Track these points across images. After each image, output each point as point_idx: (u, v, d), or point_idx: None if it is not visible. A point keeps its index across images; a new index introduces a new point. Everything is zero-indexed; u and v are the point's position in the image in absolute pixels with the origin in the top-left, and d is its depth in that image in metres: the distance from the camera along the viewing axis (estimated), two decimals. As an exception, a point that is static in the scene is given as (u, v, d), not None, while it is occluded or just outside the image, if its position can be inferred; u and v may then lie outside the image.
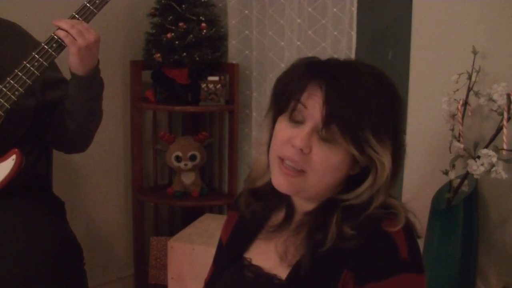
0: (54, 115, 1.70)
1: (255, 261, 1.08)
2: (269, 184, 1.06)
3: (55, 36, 1.55)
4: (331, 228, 0.97)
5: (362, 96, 0.94)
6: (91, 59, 1.57)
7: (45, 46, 1.54)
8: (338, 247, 0.95)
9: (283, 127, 0.99)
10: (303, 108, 0.96)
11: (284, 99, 0.99)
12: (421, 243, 1.89)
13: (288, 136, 0.97)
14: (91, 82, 1.62)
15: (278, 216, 1.10)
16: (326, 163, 0.96)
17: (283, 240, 1.04)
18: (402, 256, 0.94)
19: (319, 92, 0.95)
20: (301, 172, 0.97)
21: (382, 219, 0.97)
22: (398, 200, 1.02)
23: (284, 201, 1.09)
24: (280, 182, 0.99)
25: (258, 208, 1.10)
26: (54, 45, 1.55)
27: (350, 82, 0.95)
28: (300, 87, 0.97)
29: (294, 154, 0.96)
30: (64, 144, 1.78)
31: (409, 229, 0.98)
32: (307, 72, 0.98)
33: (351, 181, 1.00)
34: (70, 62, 1.57)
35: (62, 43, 1.54)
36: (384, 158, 0.95)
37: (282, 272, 1.02)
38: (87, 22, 1.59)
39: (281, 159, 0.98)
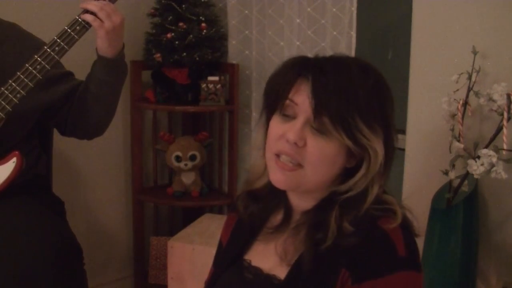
0: (72, 104, 1.70)
1: (255, 263, 1.08)
2: (267, 186, 1.07)
3: (79, 19, 1.54)
4: (331, 225, 0.97)
5: (349, 85, 0.96)
6: (118, 41, 1.59)
7: (68, 30, 1.54)
8: (336, 246, 0.95)
9: (276, 124, 1.00)
10: (294, 104, 0.98)
11: (274, 98, 1.01)
12: (421, 243, 1.89)
13: (282, 132, 0.98)
14: (119, 64, 1.63)
15: (277, 218, 1.10)
16: (321, 155, 0.97)
17: (283, 241, 1.05)
18: (400, 254, 0.94)
19: (307, 86, 0.97)
20: (298, 166, 0.98)
21: (379, 217, 0.97)
22: (395, 197, 1.03)
23: (282, 202, 1.09)
24: (278, 177, 1.00)
25: (256, 210, 1.11)
26: (78, 27, 1.54)
27: (336, 73, 0.97)
28: (288, 84, 0.99)
29: (289, 148, 0.97)
30: (87, 129, 1.78)
31: (406, 227, 0.98)
32: (294, 69, 1.00)
33: (348, 175, 1.01)
34: (98, 45, 1.58)
35: (86, 25, 1.54)
36: (376, 145, 0.97)
37: (281, 272, 1.02)
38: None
39: (277, 156, 0.99)
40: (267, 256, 1.07)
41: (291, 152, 0.97)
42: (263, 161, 1.06)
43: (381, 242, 0.94)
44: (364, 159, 0.98)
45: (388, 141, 1.00)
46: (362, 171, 0.98)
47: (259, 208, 1.11)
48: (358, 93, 0.96)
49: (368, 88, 0.97)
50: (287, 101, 0.98)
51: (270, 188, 1.07)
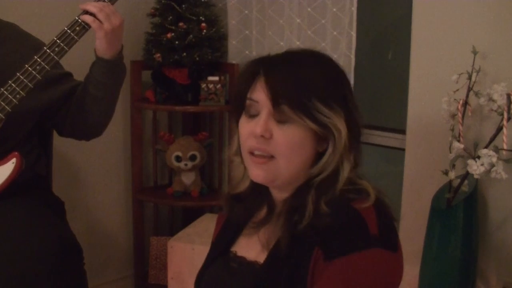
0: (71, 104, 1.70)
1: (240, 253, 1.13)
2: (249, 188, 1.13)
3: (79, 20, 1.55)
4: (307, 207, 1.00)
5: (300, 70, 1.01)
6: (117, 42, 1.59)
7: (68, 30, 1.54)
8: (311, 227, 0.98)
9: (243, 124, 1.06)
10: (254, 103, 1.03)
11: (237, 101, 1.07)
12: (421, 243, 1.89)
13: (249, 129, 1.03)
14: (117, 66, 1.63)
15: (261, 213, 1.14)
16: (289, 143, 1.01)
17: (266, 230, 1.09)
18: (372, 232, 0.96)
19: (262, 83, 1.02)
20: (271, 157, 1.02)
21: (353, 199, 1.00)
22: (369, 182, 1.05)
23: (265, 198, 1.13)
24: (256, 172, 1.05)
25: (241, 209, 1.15)
26: (77, 28, 1.54)
27: (286, 63, 1.03)
28: (245, 85, 1.05)
29: (259, 143, 1.02)
30: (85, 130, 1.78)
31: (381, 207, 1.00)
32: (248, 70, 1.06)
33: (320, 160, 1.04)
34: (97, 47, 1.58)
35: (86, 26, 1.54)
36: (338, 122, 1.00)
37: (263, 258, 1.06)
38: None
39: (251, 153, 1.04)
40: (252, 247, 1.11)
41: (262, 146, 1.02)
42: (242, 166, 1.11)
43: (353, 221, 0.97)
44: (330, 139, 1.02)
45: (350, 119, 1.02)
46: (329, 150, 1.02)
47: (244, 207, 1.15)
48: (311, 76, 1.01)
49: (320, 70, 1.03)
50: (248, 101, 1.04)
51: (252, 189, 1.12)
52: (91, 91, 1.65)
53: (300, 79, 1.00)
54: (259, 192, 1.12)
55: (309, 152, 1.03)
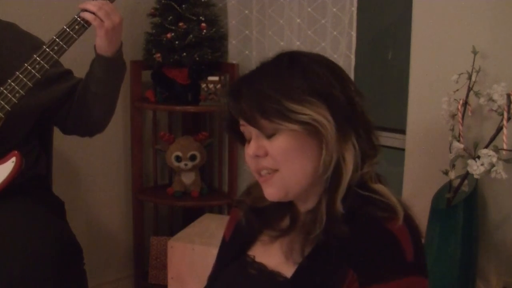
0: (73, 102, 1.71)
1: (259, 259, 1.09)
2: (274, 202, 1.08)
3: (78, 18, 1.55)
4: (320, 209, 0.98)
5: (260, 77, 1.00)
6: (117, 39, 1.59)
7: (67, 29, 1.54)
8: (343, 247, 0.95)
9: (245, 149, 1.05)
10: (244, 128, 1.03)
11: (231, 128, 1.07)
12: (421, 243, 1.88)
13: (248, 152, 1.03)
14: (118, 63, 1.64)
15: (282, 223, 1.10)
16: (283, 152, 0.99)
17: (289, 239, 1.05)
18: (408, 258, 0.94)
19: (233, 110, 1.02)
20: (275, 171, 1.01)
21: (384, 217, 0.96)
22: (388, 188, 1.02)
23: (287, 212, 1.10)
24: (268, 191, 1.03)
25: (259, 218, 1.12)
26: (76, 27, 1.55)
27: (247, 76, 1.03)
28: (231, 115, 1.04)
29: (258, 163, 1.02)
30: (88, 127, 1.79)
31: (412, 226, 0.98)
32: (226, 105, 1.04)
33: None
34: (98, 45, 1.59)
35: (85, 25, 1.55)
36: (316, 115, 0.95)
37: (287, 270, 1.02)
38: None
39: (259, 174, 1.03)
40: (272, 253, 1.07)
41: (262, 164, 1.01)
42: None
43: (390, 246, 0.94)
44: (321, 135, 0.97)
45: (335, 108, 0.97)
46: (323, 149, 0.97)
47: (264, 216, 1.12)
48: (272, 77, 0.99)
49: (282, 68, 1.00)
50: (241, 127, 1.03)
51: (277, 203, 1.08)
52: (92, 89, 1.65)
53: (261, 90, 0.98)
54: (283, 203, 1.08)
55: (312, 154, 0.99)
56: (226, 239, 1.20)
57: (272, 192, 1.02)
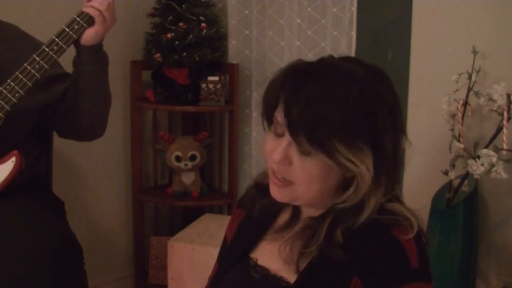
0: (66, 103, 1.70)
1: (261, 262, 1.08)
2: None
3: (77, 19, 1.55)
4: (318, 231, 0.97)
5: (325, 101, 0.90)
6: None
7: (66, 29, 1.54)
8: (348, 254, 0.95)
9: (269, 139, 0.99)
10: (279, 124, 0.96)
11: (265, 113, 0.99)
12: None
13: (271, 149, 0.97)
14: (100, 50, 1.63)
15: (285, 216, 1.09)
16: (308, 175, 0.95)
17: (288, 243, 1.03)
18: (412, 265, 0.93)
19: (282, 112, 0.94)
20: (290, 182, 0.97)
21: (392, 225, 0.96)
22: (403, 204, 1.00)
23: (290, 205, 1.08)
24: (273, 192, 1.01)
25: (265, 204, 1.09)
26: (76, 27, 1.55)
27: (312, 86, 0.92)
28: (273, 102, 0.96)
29: (277, 167, 0.97)
30: (82, 129, 1.76)
31: (419, 237, 0.97)
32: (277, 84, 0.96)
33: (350, 183, 0.97)
34: (91, 38, 1.58)
35: (84, 24, 1.55)
36: (361, 166, 0.91)
37: (288, 275, 1.02)
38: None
39: (273, 174, 0.99)
40: (274, 257, 1.06)
41: (279, 171, 0.97)
42: None
43: (394, 252, 0.94)
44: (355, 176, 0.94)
45: (379, 159, 0.93)
46: (352, 189, 0.94)
47: (267, 203, 1.08)
48: (335, 110, 0.90)
49: (349, 102, 0.90)
50: (274, 118, 0.96)
51: None
52: (79, 86, 1.64)
53: (323, 112, 0.89)
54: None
55: (333, 179, 0.96)
56: (228, 240, 1.18)
57: (278, 196, 1.00)
